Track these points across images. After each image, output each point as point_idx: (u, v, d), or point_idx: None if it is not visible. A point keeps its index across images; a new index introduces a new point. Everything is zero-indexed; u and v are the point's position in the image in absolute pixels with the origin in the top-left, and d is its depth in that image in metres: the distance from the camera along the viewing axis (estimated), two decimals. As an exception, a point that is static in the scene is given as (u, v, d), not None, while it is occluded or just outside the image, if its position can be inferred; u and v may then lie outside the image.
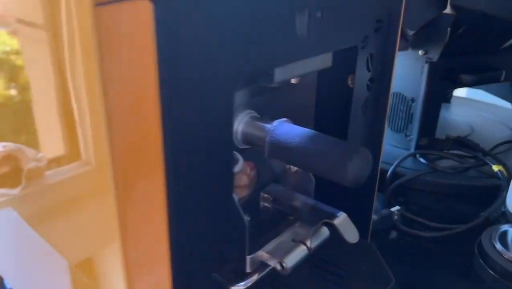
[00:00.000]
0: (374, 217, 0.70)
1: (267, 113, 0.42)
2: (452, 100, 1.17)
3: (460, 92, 1.25)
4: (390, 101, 0.47)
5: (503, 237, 0.64)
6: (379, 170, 0.49)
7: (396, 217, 0.71)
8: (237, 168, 0.36)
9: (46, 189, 0.39)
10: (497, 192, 0.74)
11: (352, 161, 0.33)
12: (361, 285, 0.47)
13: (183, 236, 0.31)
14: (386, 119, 0.48)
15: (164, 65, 0.25)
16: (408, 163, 0.85)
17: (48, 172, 0.38)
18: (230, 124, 0.31)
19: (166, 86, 0.26)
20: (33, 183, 0.41)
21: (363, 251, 0.47)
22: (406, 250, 0.68)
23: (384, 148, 0.82)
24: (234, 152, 0.38)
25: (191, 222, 0.31)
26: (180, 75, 0.26)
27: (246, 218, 0.46)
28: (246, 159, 0.44)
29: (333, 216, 0.41)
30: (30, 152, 0.40)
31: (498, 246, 0.61)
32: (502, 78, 0.88)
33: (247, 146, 0.41)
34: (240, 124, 0.40)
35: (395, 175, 0.82)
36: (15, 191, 0.43)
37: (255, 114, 0.40)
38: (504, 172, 0.78)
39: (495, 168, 0.79)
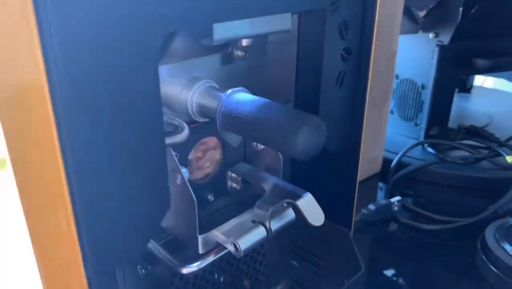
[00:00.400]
0: (370, 207, 0.66)
1: (235, 87, 0.39)
2: (472, 90, 1.10)
3: (482, 82, 1.17)
4: (371, 76, 0.43)
5: (509, 231, 0.58)
6: (360, 154, 0.46)
7: (396, 208, 0.67)
8: (180, 137, 0.33)
9: None
10: (510, 184, 0.68)
11: (301, 130, 0.29)
12: (330, 271, 0.44)
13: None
14: (367, 95, 0.44)
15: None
16: (416, 153, 0.80)
17: None
18: (154, 87, 0.28)
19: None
20: None
21: (338, 238, 0.43)
22: (405, 243, 0.63)
23: (384, 137, 0.77)
24: (177, 119, 0.35)
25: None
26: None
27: (210, 197, 0.43)
28: (209, 134, 0.41)
29: (296, 196, 0.38)
30: None
31: (503, 241, 0.56)
32: (521, 64, 0.82)
33: (206, 119, 0.38)
34: (195, 94, 0.37)
35: (402, 165, 0.77)
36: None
37: (213, 83, 0.38)
38: (519, 163, 0.72)
39: (509, 159, 0.73)
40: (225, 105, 0.34)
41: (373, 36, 0.42)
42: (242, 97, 0.34)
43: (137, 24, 0.26)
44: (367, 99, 0.43)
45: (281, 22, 0.35)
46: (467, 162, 0.76)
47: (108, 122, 0.26)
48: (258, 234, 0.37)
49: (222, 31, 0.30)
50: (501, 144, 0.77)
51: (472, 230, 0.63)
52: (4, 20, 0.25)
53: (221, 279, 0.47)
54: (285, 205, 0.39)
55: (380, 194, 0.77)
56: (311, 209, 0.38)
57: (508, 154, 0.73)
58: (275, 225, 0.38)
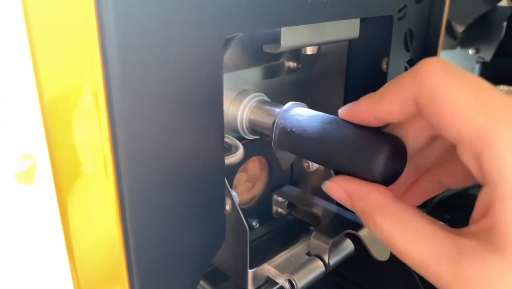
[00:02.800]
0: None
1: (282, 101, 0.35)
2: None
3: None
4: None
5: None
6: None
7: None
8: (234, 157, 0.29)
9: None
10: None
11: (384, 152, 0.25)
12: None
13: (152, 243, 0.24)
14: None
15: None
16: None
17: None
18: (218, 100, 0.24)
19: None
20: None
21: (396, 273, 0.39)
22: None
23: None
24: (229, 136, 0.31)
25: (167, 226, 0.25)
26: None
27: (254, 224, 0.39)
28: (255, 153, 0.37)
29: (359, 226, 0.33)
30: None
31: None
32: None
33: (255, 137, 0.34)
34: (246, 109, 0.33)
35: (439, 188, 0.73)
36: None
37: (265, 97, 0.34)
38: None
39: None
40: (284, 118, 0.30)
41: (439, 47, 0.38)
42: (304, 112, 0.30)
43: (202, 26, 0.22)
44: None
45: (349, 29, 0.31)
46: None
47: (168, 135, 0.22)
48: (315, 269, 0.32)
49: (290, 36, 0.26)
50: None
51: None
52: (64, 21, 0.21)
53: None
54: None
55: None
56: (376, 241, 0.33)
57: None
58: (333, 258, 0.33)
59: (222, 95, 0.24)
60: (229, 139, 0.31)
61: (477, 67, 0.75)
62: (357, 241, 0.35)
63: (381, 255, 0.33)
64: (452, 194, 0.71)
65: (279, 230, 0.41)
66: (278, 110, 0.31)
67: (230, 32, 0.23)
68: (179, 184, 0.24)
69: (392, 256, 0.38)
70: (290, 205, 0.40)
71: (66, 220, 0.25)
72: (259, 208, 0.39)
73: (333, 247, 0.34)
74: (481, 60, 0.75)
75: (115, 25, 0.19)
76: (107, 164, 0.21)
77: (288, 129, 0.29)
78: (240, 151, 0.30)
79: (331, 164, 0.30)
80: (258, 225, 0.39)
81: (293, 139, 0.28)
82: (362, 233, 0.33)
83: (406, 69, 0.37)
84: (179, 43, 0.21)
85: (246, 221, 0.38)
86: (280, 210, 0.40)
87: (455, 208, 0.71)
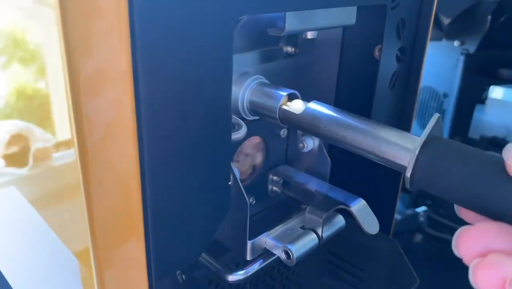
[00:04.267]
0: (397, 217, 0.64)
1: (280, 84, 0.37)
2: (487, 101, 1.09)
3: (495, 94, 1.17)
4: (421, 81, 0.41)
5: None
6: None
7: (422, 219, 0.65)
8: (238, 134, 0.31)
9: (53, 171, 0.35)
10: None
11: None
12: (379, 285, 0.42)
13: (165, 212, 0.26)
14: (418, 98, 0.42)
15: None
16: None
17: (56, 155, 0.34)
18: (228, 79, 0.26)
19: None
20: (41, 164, 0.37)
21: (383, 248, 0.41)
22: (432, 255, 0.62)
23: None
24: (234, 116, 0.33)
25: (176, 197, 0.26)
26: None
27: (251, 200, 0.41)
28: (253, 133, 0.39)
29: (350, 202, 0.36)
30: (38, 131, 0.37)
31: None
32: (546, 75, 0.81)
33: (255, 117, 0.36)
34: (247, 90, 0.34)
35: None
36: (22, 170, 0.40)
37: (264, 80, 0.35)
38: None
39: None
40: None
41: (428, 36, 0.40)
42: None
43: (216, 7, 0.23)
44: (417, 102, 0.42)
45: (347, 16, 0.33)
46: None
47: (182, 111, 0.24)
48: (310, 241, 0.34)
49: (294, 21, 0.28)
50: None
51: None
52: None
53: (254, 287, 0.45)
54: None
55: (400, 206, 0.75)
56: (366, 216, 0.35)
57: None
58: (326, 232, 0.36)
59: (231, 73, 0.26)
60: (234, 118, 0.33)
61: (462, 58, 0.78)
62: (348, 218, 0.37)
63: (371, 229, 0.35)
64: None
65: (274, 208, 0.43)
66: (278, 92, 0.33)
67: (241, 14, 0.25)
68: (193, 154, 0.26)
69: (380, 231, 0.41)
70: (285, 184, 0.42)
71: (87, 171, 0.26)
72: (256, 186, 0.41)
73: (326, 222, 0.36)
74: (465, 52, 0.77)
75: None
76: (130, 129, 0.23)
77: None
78: (244, 129, 0.32)
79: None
80: (254, 202, 0.41)
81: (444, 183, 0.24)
82: (353, 209, 0.35)
83: (397, 56, 0.39)
84: (195, 24, 0.23)
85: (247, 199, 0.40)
86: (275, 188, 0.42)
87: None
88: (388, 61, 0.38)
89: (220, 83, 0.25)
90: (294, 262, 0.33)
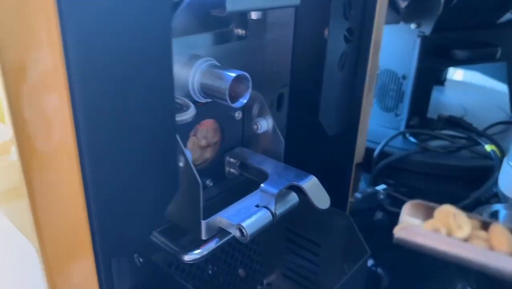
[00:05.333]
0: (357, 195, 0.66)
1: (233, 67, 0.37)
2: (446, 83, 1.13)
3: (455, 76, 1.20)
4: (372, 60, 0.43)
5: (493, 217, 0.60)
6: (358, 136, 0.45)
7: (382, 197, 0.67)
8: (186, 116, 0.31)
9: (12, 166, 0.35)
10: (490, 172, 0.70)
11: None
12: (334, 258, 0.43)
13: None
14: (367, 79, 0.43)
15: None
16: (398, 142, 0.81)
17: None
18: (168, 61, 0.26)
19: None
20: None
21: (338, 224, 0.43)
22: (392, 232, 0.64)
23: (368, 126, 0.78)
24: (181, 98, 0.33)
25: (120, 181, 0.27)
26: None
27: (208, 182, 0.41)
28: (208, 116, 0.40)
29: (302, 180, 0.37)
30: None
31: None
32: (498, 56, 0.84)
33: (207, 100, 0.37)
34: (197, 72, 0.35)
35: (384, 154, 0.78)
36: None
37: (214, 62, 0.36)
38: (497, 152, 0.73)
39: (488, 148, 0.75)
40: None
41: (375, 16, 0.41)
42: None
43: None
44: (366, 82, 0.43)
45: (291, -3, 0.33)
46: (447, 151, 0.78)
47: (120, 94, 0.24)
48: (264, 218, 0.35)
49: (236, 1, 0.29)
50: (480, 134, 0.79)
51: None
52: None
53: (215, 268, 0.46)
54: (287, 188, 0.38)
55: (362, 185, 0.77)
56: (317, 192, 0.37)
57: (487, 143, 0.75)
58: (280, 209, 0.37)
59: (171, 55, 0.26)
60: (181, 100, 0.33)
61: (418, 41, 0.80)
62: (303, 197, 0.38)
63: (322, 204, 0.36)
64: (394, 160, 0.76)
65: (232, 190, 0.44)
66: (228, 74, 0.34)
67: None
68: (134, 137, 0.26)
69: (336, 208, 0.42)
70: (242, 166, 0.43)
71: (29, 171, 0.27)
72: (213, 169, 0.42)
73: (279, 199, 0.37)
74: (421, 34, 0.80)
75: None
76: (66, 116, 0.23)
77: None
78: (191, 110, 0.32)
79: None
80: (212, 184, 0.42)
81: None
82: (304, 185, 0.36)
83: (345, 37, 0.40)
84: (128, 6, 0.23)
85: (200, 180, 0.41)
86: (232, 170, 0.43)
87: (397, 173, 0.77)
88: (336, 41, 0.39)
89: (160, 66, 0.26)
90: (248, 239, 0.34)
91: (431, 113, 0.87)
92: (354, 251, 0.39)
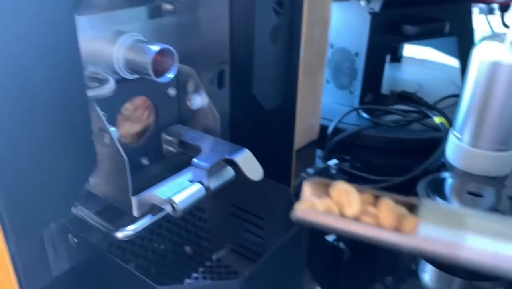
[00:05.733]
0: (309, 171, 0.67)
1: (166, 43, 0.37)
2: (403, 59, 1.15)
3: (412, 53, 1.22)
4: (305, 32, 0.43)
5: (440, 185, 0.62)
6: (297, 117, 0.45)
7: (334, 172, 0.68)
8: (103, 90, 0.31)
9: None
10: (439, 144, 0.72)
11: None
12: (277, 231, 0.44)
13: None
14: (301, 50, 0.43)
15: None
16: (352, 119, 0.82)
17: None
18: (73, 38, 0.26)
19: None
20: None
21: (279, 197, 0.43)
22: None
23: (320, 102, 0.78)
24: (101, 73, 0.33)
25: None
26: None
27: (145, 162, 0.41)
28: (137, 93, 0.39)
29: (234, 153, 0.37)
30: None
31: (433, 194, 0.59)
32: (446, 31, 0.85)
33: (135, 76, 0.36)
34: (121, 48, 0.34)
35: (338, 131, 0.79)
36: None
37: (140, 37, 0.35)
38: (446, 124, 0.75)
39: (437, 120, 0.77)
40: None
41: (305, -12, 0.41)
42: None
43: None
44: (301, 55, 0.43)
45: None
46: (399, 125, 0.79)
47: (24, 72, 0.24)
48: (196, 192, 0.36)
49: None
50: (430, 107, 0.81)
51: (406, 187, 0.65)
52: None
53: (162, 247, 0.46)
54: (222, 162, 0.38)
55: (319, 161, 0.78)
56: (250, 164, 0.37)
57: (436, 116, 0.77)
58: (214, 183, 0.37)
59: (75, 33, 0.26)
60: (101, 75, 0.33)
61: (369, 17, 0.81)
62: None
63: (255, 176, 0.37)
64: (347, 135, 0.77)
65: (173, 168, 0.44)
66: (150, 47, 0.33)
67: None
68: (41, 114, 0.26)
69: (280, 183, 0.42)
70: (181, 143, 0.43)
71: None
72: (149, 147, 0.41)
73: (214, 173, 0.37)
74: (372, 10, 0.80)
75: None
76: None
77: None
78: (110, 85, 0.32)
79: None
80: (148, 163, 0.41)
81: None
82: (236, 158, 0.37)
83: (275, 9, 0.40)
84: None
85: (136, 159, 0.40)
86: (170, 148, 0.43)
87: (351, 148, 0.78)
88: (265, 14, 0.39)
89: (64, 38, 0.25)
90: (180, 214, 0.34)
91: (387, 89, 0.88)
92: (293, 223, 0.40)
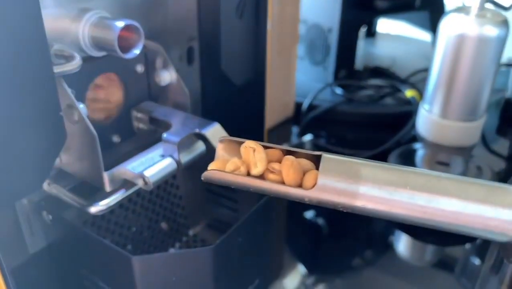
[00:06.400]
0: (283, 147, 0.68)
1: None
2: (377, 35, 1.16)
3: (385, 29, 1.24)
4: (272, 7, 0.43)
5: (410, 156, 0.64)
6: (266, 81, 0.46)
7: (307, 147, 0.70)
8: (69, 66, 0.31)
9: None
10: (410, 117, 0.74)
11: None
12: (251, 203, 0.45)
13: None
14: (268, 24, 0.44)
15: None
16: (326, 95, 0.83)
17: None
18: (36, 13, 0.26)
19: None
20: None
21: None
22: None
23: (293, 79, 0.79)
24: (67, 50, 0.33)
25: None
26: None
27: (116, 139, 0.42)
28: (104, 70, 0.39)
29: (204, 127, 0.38)
30: None
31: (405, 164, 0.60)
32: (417, 5, 0.87)
33: (102, 53, 0.36)
34: (86, 25, 0.35)
35: (313, 108, 0.80)
36: None
37: (105, 14, 0.35)
38: (417, 98, 0.77)
39: (409, 94, 0.78)
40: None
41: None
42: None
43: None
44: (268, 29, 0.44)
45: None
46: (372, 100, 0.81)
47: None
48: (167, 166, 0.36)
49: None
50: (402, 81, 0.83)
51: (378, 159, 0.67)
52: None
53: (139, 225, 0.47)
54: (193, 137, 0.39)
55: (295, 137, 0.79)
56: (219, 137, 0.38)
57: (407, 90, 0.79)
58: (185, 157, 0.38)
59: (39, 10, 0.26)
60: (67, 52, 0.33)
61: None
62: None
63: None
64: (321, 112, 0.79)
65: (145, 145, 0.45)
66: (115, 24, 0.33)
67: None
68: (11, 91, 0.26)
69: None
70: (151, 120, 0.43)
71: None
72: (120, 124, 0.42)
73: (185, 148, 0.38)
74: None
75: None
76: None
77: None
78: (76, 61, 0.32)
79: None
80: (120, 140, 0.42)
81: None
82: (205, 132, 0.37)
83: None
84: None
85: (107, 137, 0.41)
86: (141, 125, 0.43)
87: (326, 124, 0.80)
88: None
89: (27, 16, 0.25)
90: (152, 187, 0.35)
91: (362, 65, 0.89)
92: (268, 204, 0.41)
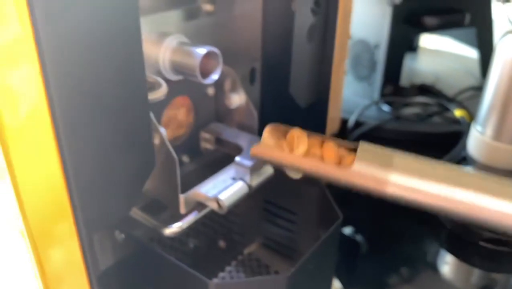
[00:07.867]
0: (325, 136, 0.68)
1: (202, 43, 0.38)
2: (419, 50, 1.14)
3: (428, 43, 1.22)
4: (341, 29, 0.43)
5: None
6: (331, 107, 0.46)
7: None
8: (158, 94, 0.32)
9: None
10: (460, 137, 0.72)
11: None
12: (309, 225, 0.45)
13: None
14: (336, 49, 0.44)
15: None
16: (372, 112, 0.83)
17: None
18: (137, 40, 0.27)
19: None
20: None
21: (311, 191, 0.44)
22: (362, 200, 0.66)
23: (342, 96, 0.79)
24: (152, 76, 0.34)
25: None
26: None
27: (185, 159, 0.42)
28: (179, 94, 0.40)
29: (275, 151, 0.38)
30: None
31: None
32: (466, 22, 0.85)
33: (179, 77, 0.37)
34: (167, 50, 0.35)
35: (358, 124, 0.80)
36: None
37: (184, 39, 0.36)
38: (466, 117, 0.76)
39: (458, 113, 0.77)
40: None
41: (341, -12, 0.42)
42: None
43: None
44: (334, 53, 0.44)
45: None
46: (419, 118, 0.80)
47: (91, 77, 0.25)
48: (239, 189, 0.37)
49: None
50: (449, 100, 0.81)
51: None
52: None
53: (197, 242, 0.47)
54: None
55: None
56: (290, 162, 0.38)
57: (455, 109, 0.78)
58: (255, 180, 0.38)
59: (140, 35, 0.27)
60: (153, 78, 0.34)
61: (389, 9, 0.81)
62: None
63: (295, 174, 0.38)
64: (368, 129, 0.78)
65: (210, 165, 0.45)
66: (196, 50, 0.34)
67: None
68: (108, 116, 0.27)
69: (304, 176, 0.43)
70: (217, 141, 0.44)
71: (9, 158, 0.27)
72: (188, 145, 0.43)
73: (254, 171, 0.38)
74: (392, 3, 0.80)
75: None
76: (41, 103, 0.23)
77: None
78: (163, 88, 0.33)
79: None
80: (188, 160, 0.43)
81: None
82: (278, 157, 0.37)
83: (312, 9, 0.41)
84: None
85: (178, 157, 0.41)
86: (208, 146, 0.44)
87: (372, 142, 0.79)
88: (303, 14, 0.40)
89: (130, 45, 0.26)
90: (225, 210, 0.36)
91: (404, 81, 0.89)
92: (327, 217, 0.41)
